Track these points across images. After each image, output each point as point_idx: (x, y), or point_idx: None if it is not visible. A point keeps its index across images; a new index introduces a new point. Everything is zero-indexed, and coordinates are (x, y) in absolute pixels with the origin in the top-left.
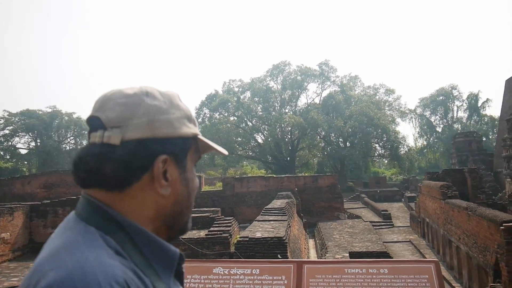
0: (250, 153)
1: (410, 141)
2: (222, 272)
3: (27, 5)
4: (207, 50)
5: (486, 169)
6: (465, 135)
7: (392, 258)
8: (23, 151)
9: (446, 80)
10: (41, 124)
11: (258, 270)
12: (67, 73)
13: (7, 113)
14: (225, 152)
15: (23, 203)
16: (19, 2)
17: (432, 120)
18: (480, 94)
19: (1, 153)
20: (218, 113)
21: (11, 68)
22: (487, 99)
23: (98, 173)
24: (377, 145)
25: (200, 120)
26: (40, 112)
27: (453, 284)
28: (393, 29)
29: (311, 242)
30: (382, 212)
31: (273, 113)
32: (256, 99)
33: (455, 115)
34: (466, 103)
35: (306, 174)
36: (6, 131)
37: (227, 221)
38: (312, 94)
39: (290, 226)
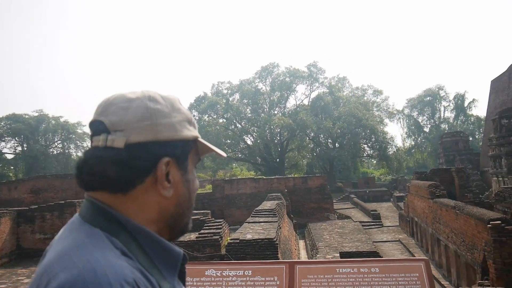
0: (240, 155)
1: (398, 142)
2: (214, 274)
3: (13, 9)
4: (195, 53)
5: (473, 169)
6: (452, 135)
7: (382, 257)
8: (9, 156)
9: (433, 81)
10: (27, 128)
11: (250, 271)
12: (54, 77)
13: None
14: (224, 154)
15: (10, 208)
16: (4, 5)
17: (420, 121)
18: (467, 94)
19: None
20: (207, 115)
21: None
22: (473, 100)
23: (102, 176)
24: (365, 145)
25: None
26: (27, 116)
27: (442, 282)
28: (381, 30)
29: (301, 243)
30: (372, 212)
31: (262, 114)
32: (245, 101)
33: (442, 115)
34: (452, 104)
35: (295, 175)
36: None
37: (217, 224)
38: (300, 96)
39: (280, 228)
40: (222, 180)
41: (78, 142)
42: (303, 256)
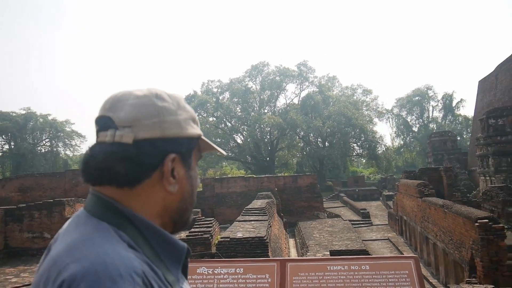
0: (230, 154)
1: (387, 141)
2: (206, 272)
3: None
4: (185, 51)
5: (461, 168)
6: (441, 135)
7: (371, 255)
8: None
9: (421, 81)
10: (14, 126)
11: (242, 269)
12: (42, 75)
13: None
14: (224, 152)
15: None
16: None
17: (409, 120)
18: (455, 94)
19: None
20: (197, 113)
21: None
22: (461, 100)
23: (111, 171)
24: (355, 144)
25: None
26: (14, 114)
27: (430, 280)
28: (370, 30)
29: (291, 241)
30: (361, 211)
31: (252, 113)
32: (235, 99)
33: (430, 115)
34: (441, 103)
35: (285, 174)
36: None
37: (207, 222)
38: (291, 95)
39: (270, 226)
40: (212, 179)
41: (66, 140)
42: (293, 255)
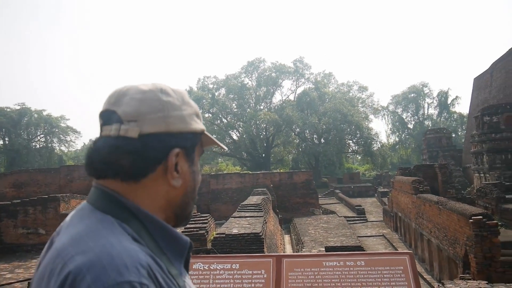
0: (223, 150)
1: (383, 138)
2: (202, 268)
3: None
4: (181, 47)
5: (456, 165)
6: (436, 132)
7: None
8: None
9: (417, 78)
10: (9, 122)
11: (237, 265)
12: (37, 70)
13: None
14: (226, 148)
15: None
16: None
17: (404, 117)
18: (450, 91)
19: None
20: None
21: None
22: (456, 97)
23: (116, 164)
24: (350, 141)
25: None
26: (8, 110)
27: (424, 276)
28: (366, 27)
29: (286, 237)
30: (356, 207)
31: (248, 110)
32: (231, 95)
33: (426, 112)
34: (436, 101)
35: (281, 171)
36: None
37: (203, 218)
38: (286, 91)
39: (266, 222)
40: (207, 175)
41: (61, 136)
42: (289, 251)
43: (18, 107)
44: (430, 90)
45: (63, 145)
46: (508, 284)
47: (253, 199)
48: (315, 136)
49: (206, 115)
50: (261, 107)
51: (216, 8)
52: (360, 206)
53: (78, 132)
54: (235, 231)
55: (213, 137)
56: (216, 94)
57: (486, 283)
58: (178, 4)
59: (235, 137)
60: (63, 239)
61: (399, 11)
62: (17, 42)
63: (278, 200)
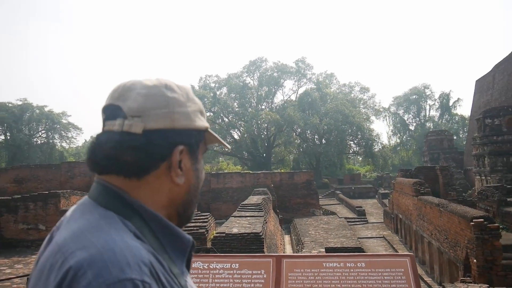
0: (226, 149)
1: (384, 139)
2: (201, 267)
3: None
4: (183, 46)
5: (457, 167)
6: (437, 134)
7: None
8: None
9: (419, 80)
10: (11, 117)
11: (237, 264)
12: (39, 66)
13: None
14: (229, 146)
15: None
16: None
17: (405, 119)
18: (452, 93)
19: None
20: None
21: None
22: (458, 99)
23: (119, 160)
24: (352, 142)
25: None
26: (10, 105)
27: (425, 279)
28: (369, 28)
29: (286, 238)
30: (357, 209)
31: (250, 109)
32: (233, 95)
33: (427, 113)
34: (438, 102)
35: (282, 171)
36: None
37: (203, 217)
38: (288, 91)
39: (266, 222)
40: (208, 174)
41: (62, 132)
42: (289, 251)
43: (20, 103)
44: (431, 92)
45: (64, 141)
46: None
47: (253, 199)
48: (316, 136)
49: (208, 114)
50: (263, 107)
51: (218, 7)
52: (360, 207)
53: (80, 128)
54: (235, 230)
55: (216, 135)
56: (218, 93)
57: (488, 287)
58: (181, 2)
59: (236, 136)
60: (64, 233)
61: (402, 12)
62: (20, 38)
63: (278, 200)
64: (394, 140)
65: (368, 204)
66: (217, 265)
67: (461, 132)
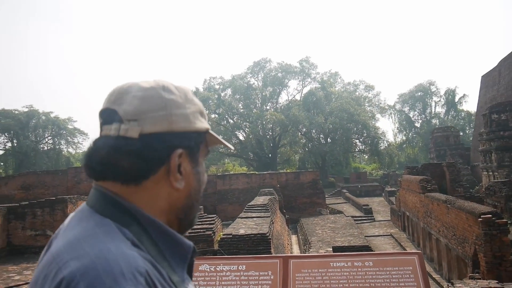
0: (230, 150)
1: (390, 137)
2: (208, 269)
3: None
4: (187, 48)
5: (463, 163)
6: (443, 130)
7: (374, 251)
8: None
9: (424, 76)
10: (17, 124)
11: (244, 266)
12: (44, 72)
13: None
14: (232, 147)
15: (0, 205)
16: None
17: (411, 116)
18: (457, 89)
19: None
20: None
21: None
22: (464, 95)
23: (115, 165)
24: (357, 140)
25: None
26: (16, 112)
27: (433, 276)
28: (373, 26)
29: (293, 238)
30: (363, 207)
31: (254, 110)
32: (237, 96)
33: (433, 110)
34: (443, 99)
35: (288, 171)
36: None
37: (210, 219)
38: (293, 91)
39: (273, 223)
40: (214, 176)
41: (68, 138)
42: (296, 251)
43: (26, 110)
44: (437, 89)
45: (70, 147)
46: None
47: (259, 200)
48: (321, 135)
49: (212, 115)
50: (267, 107)
51: (222, 8)
52: (367, 205)
53: (86, 133)
54: (242, 231)
55: (219, 136)
56: (222, 94)
57: (497, 283)
58: (184, 4)
59: (241, 137)
60: (59, 243)
61: (406, 9)
62: (25, 44)
63: (285, 200)
64: (400, 137)
65: (375, 202)
66: (224, 267)
67: (467, 128)
